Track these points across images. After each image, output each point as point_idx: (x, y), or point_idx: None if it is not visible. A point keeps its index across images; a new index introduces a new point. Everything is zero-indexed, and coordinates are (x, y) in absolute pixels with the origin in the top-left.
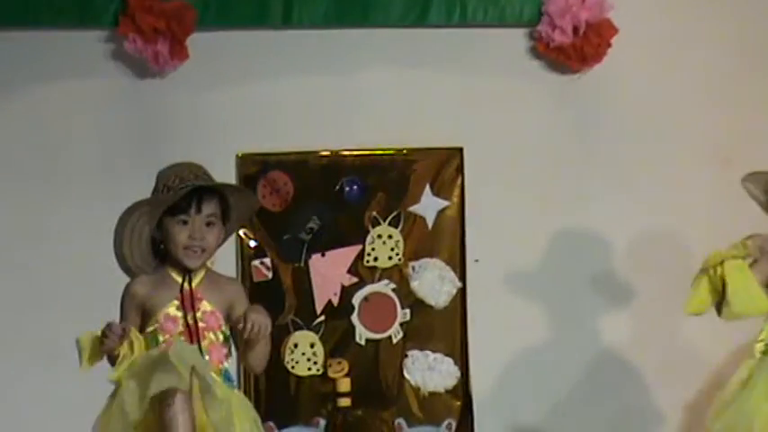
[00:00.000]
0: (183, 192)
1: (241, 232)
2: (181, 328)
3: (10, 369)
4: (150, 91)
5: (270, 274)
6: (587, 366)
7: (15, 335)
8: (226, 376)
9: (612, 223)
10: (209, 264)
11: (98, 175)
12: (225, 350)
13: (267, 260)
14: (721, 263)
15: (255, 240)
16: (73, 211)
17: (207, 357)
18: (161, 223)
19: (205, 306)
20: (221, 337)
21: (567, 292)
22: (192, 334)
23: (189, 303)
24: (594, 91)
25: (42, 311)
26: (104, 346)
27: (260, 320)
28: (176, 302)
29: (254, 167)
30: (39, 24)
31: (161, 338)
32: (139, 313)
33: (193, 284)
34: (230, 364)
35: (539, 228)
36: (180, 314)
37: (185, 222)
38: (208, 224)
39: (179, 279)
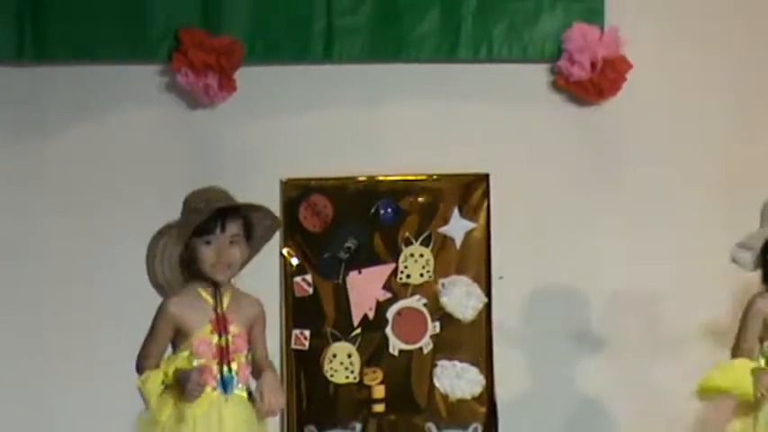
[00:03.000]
0: (205, 215)
1: (284, 251)
2: (214, 350)
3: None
4: (201, 121)
5: (310, 290)
6: (604, 376)
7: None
8: (248, 390)
9: (624, 246)
10: (233, 281)
11: (153, 194)
12: (249, 369)
13: (308, 277)
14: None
15: (297, 258)
16: (130, 222)
17: (235, 377)
18: (189, 243)
19: (233, 329)
20: (246, 357)
21: (585, 307)
22: (224, 356)
23: (222, 327)
24: (610, 122)
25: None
26: (190, 397)
27: (274, 401)
28: (210, 326)
29: (297, 191)
30: (97, 57)
31: (195, 362)
32: (172, 332)
33: (224, 306)
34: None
35: (558, 248)
36: (213, 337)
37: (209, 243)
38: (231, 242)
39: (209, 299)
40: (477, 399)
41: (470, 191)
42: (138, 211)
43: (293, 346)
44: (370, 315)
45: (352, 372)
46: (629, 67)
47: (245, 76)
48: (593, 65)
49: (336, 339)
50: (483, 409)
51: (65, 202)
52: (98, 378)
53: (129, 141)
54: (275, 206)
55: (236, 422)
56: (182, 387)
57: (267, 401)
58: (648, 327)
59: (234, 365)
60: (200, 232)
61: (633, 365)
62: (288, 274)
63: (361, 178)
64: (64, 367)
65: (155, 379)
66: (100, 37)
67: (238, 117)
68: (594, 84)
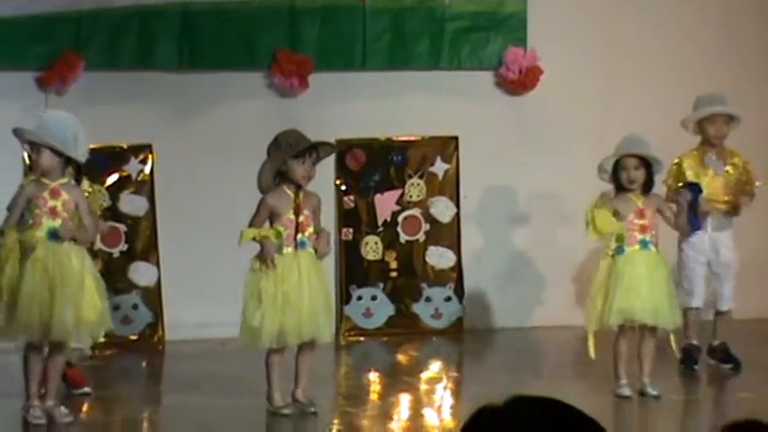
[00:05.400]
0: (303, 147)
1: (337, 182)
2: (294, 224)
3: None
4: (288, 106)
5: (353, 204)
6: (528, 239)
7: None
8: (314, 248)
9: (540, 173)
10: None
11: (259, 150)
12: (315, 236)
13: (351, 197)
14: (593, 210)
15: (345, 185)
16: (247, 164)
17: (306, 241)
18: (286, 163)
19: (305, 212)
20: (312, 230)
21: (516, 216)
22: (300, 228)
23: (299, 210)
24: (530, 105)
25: (226, 204)
26: (263, 256)
27: (325, 247)
28: (292, 210)
29: (345, 146)
30: (226, 67)
31: (282, 230)
32: (268, 214)
33: (300, 199)
34: (312, 240)
35: (499, 179)
36: (293, 217)
37: (303, 162)
38: (313, 163)
39: (291, 194)
40: (451, 269)
41: (447, 146)
42: (251, 158)
43: (343, 238)
44: (389, 219)
45: (378, 253)
46: (542, 72)
47: (314, 78)
48: (520, 71)
49: (368, 234)
50: (454, 275)
51: (211, 152)
52: (235, 225)
53: (245, 118)
54: (332, 156)
55: (307, 265)
56: (262, 250)
57: (321, 248)
58: (555, 212)
59: (306, 233)
60: (296, 156)
61: (546, 231)
62: (339, 195)
63: (382, 138)
64: (228, 222)
65: (251, 230)
66: (229, 54)
67: (310, 103)
68: (521, 82)
